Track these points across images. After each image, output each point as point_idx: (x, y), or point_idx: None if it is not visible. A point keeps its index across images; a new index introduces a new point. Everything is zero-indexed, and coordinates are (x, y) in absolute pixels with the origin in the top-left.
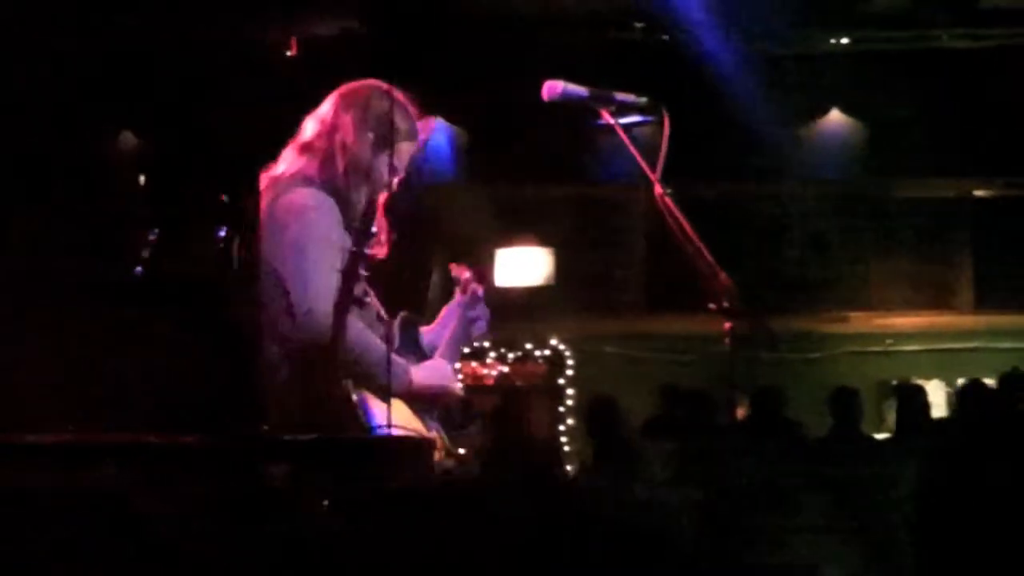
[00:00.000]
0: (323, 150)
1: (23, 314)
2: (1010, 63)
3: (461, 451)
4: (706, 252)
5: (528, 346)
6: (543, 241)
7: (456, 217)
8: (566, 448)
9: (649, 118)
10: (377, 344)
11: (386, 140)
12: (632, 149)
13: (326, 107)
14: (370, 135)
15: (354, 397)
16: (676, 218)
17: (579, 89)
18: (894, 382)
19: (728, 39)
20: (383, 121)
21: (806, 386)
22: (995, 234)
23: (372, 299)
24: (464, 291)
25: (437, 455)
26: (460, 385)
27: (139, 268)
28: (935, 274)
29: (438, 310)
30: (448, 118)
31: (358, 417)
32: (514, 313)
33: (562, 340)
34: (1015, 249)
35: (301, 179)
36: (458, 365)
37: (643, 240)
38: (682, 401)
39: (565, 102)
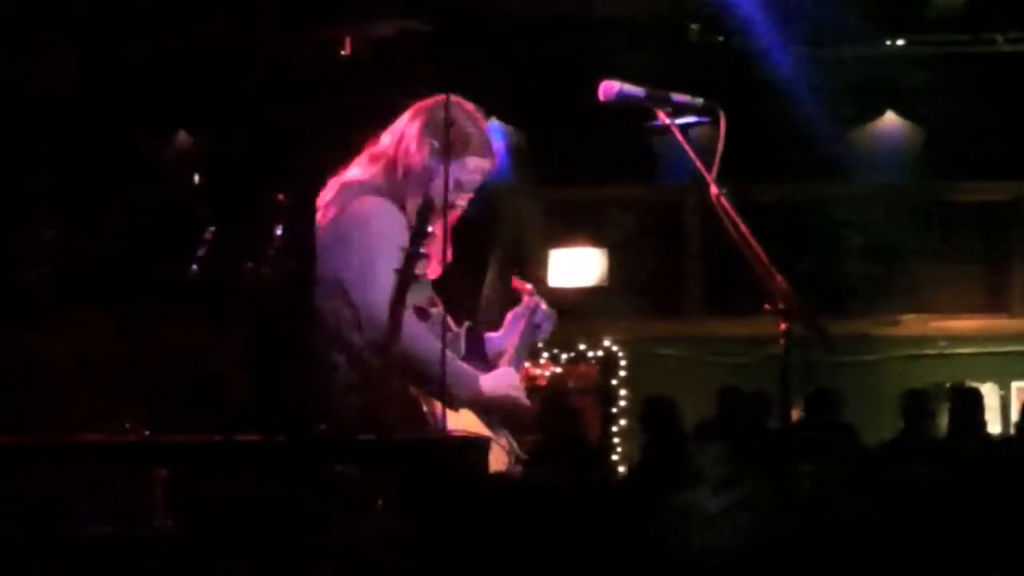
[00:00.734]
0: (389, 158)
1: (80, 315)
2: None
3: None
4: (761, 253)
5: (581, 347)
6: (597, 242)
7: (511, 219)
8: (618, 449)
9: (705, 119)
10: (440, 349)
11: (448, 149)
12: (688, 150)
13: (403, 118)
14: (433, 143)
15: (424, 408)
16: (732, 219)
17: (635, 89)
18: (947, 385)
19: (784, 41)
20: (450, 131)
21: (860, 390)
22: None
23: (439, 309)
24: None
25: (505, 460)
26: (525, 396)
27: (195, 267)
28: (990, 276)
29: (491, 311)
30: (503, 119)
31: (424, 421)
32: (568, 314)
33: (616, 342)
34: None
35: (367, 187)
36: None
37: (699, 241)
38: (742, 403)
39: (621, 103)
